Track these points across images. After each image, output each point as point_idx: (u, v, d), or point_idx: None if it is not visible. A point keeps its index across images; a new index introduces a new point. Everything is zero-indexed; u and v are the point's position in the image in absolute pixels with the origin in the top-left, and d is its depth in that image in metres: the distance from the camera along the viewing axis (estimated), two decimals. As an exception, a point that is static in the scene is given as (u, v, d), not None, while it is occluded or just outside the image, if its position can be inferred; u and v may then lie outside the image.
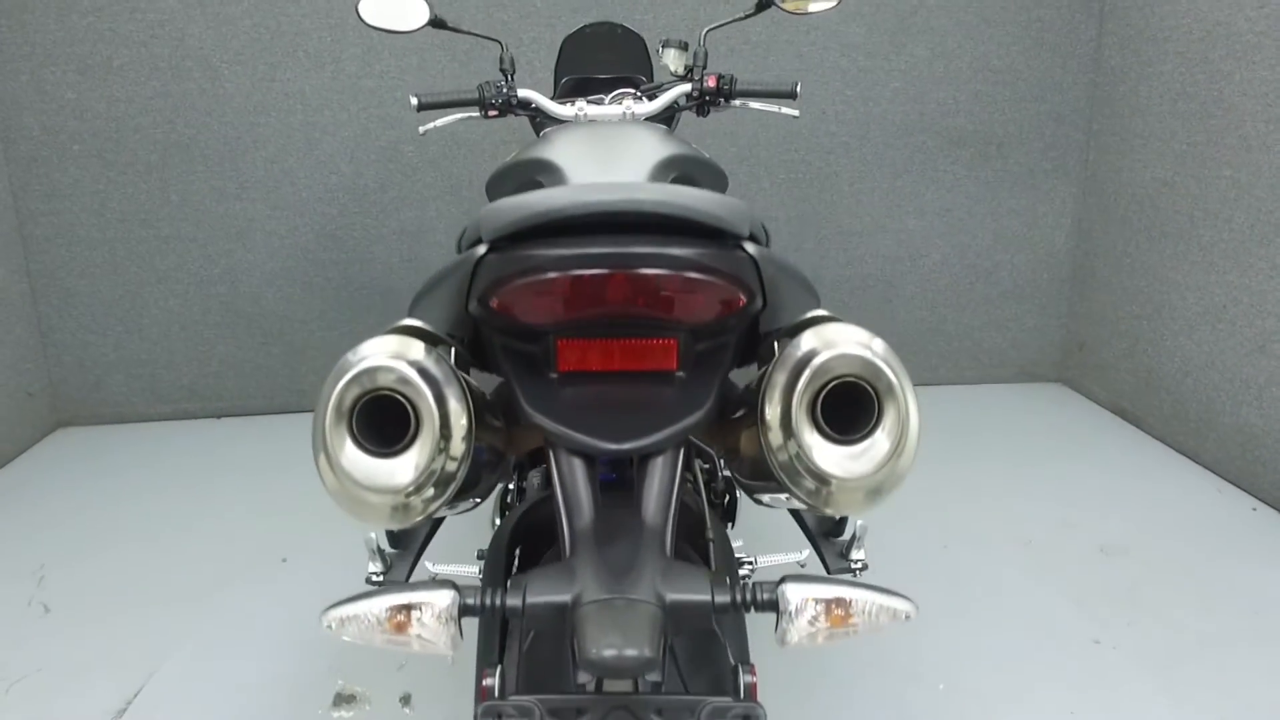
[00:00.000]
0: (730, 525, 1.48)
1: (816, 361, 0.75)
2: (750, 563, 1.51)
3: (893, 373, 0.75)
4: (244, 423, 2.89)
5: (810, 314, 0.88)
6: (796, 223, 2.87)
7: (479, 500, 0.93)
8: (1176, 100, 2.48)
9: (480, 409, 0.84)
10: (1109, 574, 1.97)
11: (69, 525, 2.28)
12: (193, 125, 2.67)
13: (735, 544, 1.56)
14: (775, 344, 0.85)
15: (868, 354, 0.75)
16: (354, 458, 0.75)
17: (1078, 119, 2.87)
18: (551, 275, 0.80)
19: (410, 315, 0.96)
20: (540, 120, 1.79)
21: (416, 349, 0.77)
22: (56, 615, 1.90)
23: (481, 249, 0.86)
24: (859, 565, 1.19)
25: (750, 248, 0.86)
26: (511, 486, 1.54)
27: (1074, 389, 3.02)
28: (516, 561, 1.16)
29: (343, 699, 1.63)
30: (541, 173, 1.41)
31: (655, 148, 1.41)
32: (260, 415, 2.92)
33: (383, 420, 0.75)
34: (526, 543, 1.16)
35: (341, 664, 1.72)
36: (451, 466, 0.76)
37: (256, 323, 2.84)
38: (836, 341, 0.76)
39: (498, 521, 1.51)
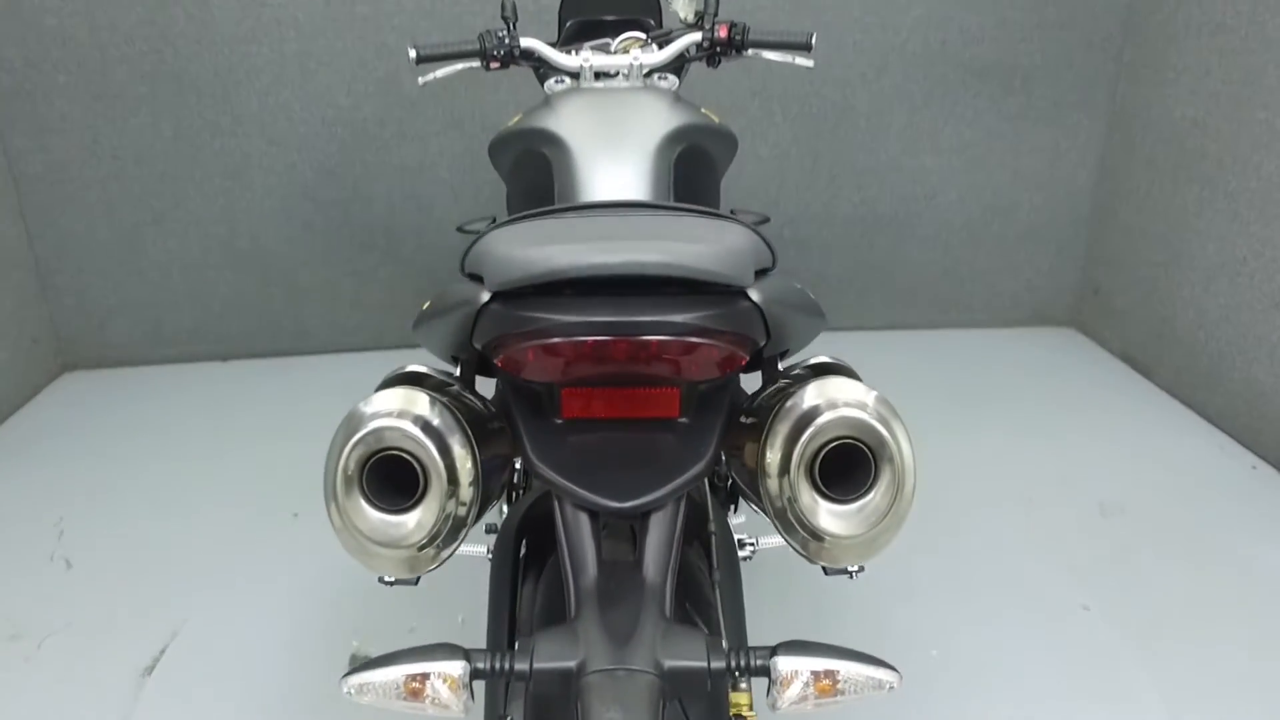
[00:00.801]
0: (733, 509, 1.47)
1: (817, 423, 0.76)
2: (751, 544, 1.50)
3: (891, 436, 0.76)
4: (249, 365, 2.86)
5: (816, 360, 0.93)
6: (809, 159, 2.76)
7: (494, 502, 0.96)
8: (1215, 33, 2.34)
9: (486, 431, 0.86)
10: (1105, 535, 1.97)
11: (83, 475, 2.28)
12: (182, 55, 2.54)
13: (737, 521, 1.55)
14: (780, 381, 0.90)
15: (866, 417, 0.76)
16: (366, 515, 0.78)
17: (1109, 47, 2.71)
18: (554, 340, 0.80)
19: (415, 331, 0.97)
20: (544, 70, 1.70)
21: (421, 403, 0.78)
22: (78, 570, 1.92)
23: (484, 296, 0.85)
24: (856, 569, 1.19)
25: (755, 294, 0.86)
26: (519, 466, 1.52)
27: (1086, 334, 2.97)
28: (524, 550, 1.15)
29: (358, 661, 1.65)
30: (546, 145, 1.36)
31: (662, 118, 1.36)
32: (265, 358, 2.89)
33: (392, 471, 0.77)
34: (533, 534, 1.17)
35: (356, 626, 1.74)
36: (462, 512, 0.79)
37: (257, 263, 2.78)
38: (837, 401, 0.77)
39: (505, 509, 1.49)
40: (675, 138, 1.34)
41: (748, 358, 0.84)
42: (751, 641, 0.99)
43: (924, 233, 2.88)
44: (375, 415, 0.77)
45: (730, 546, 1.17)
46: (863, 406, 0.76)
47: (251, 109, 2.61)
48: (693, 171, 1.39)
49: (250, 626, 1.75)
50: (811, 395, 0.78)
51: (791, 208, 2.82)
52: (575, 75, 1.56)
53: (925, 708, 1.53)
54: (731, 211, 1.74)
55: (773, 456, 0.78)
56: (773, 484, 0.79)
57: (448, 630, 1.73)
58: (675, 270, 0.78)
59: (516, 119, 1.47)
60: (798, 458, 0.76)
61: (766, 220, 1.74)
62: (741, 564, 1.22)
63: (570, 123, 1.34)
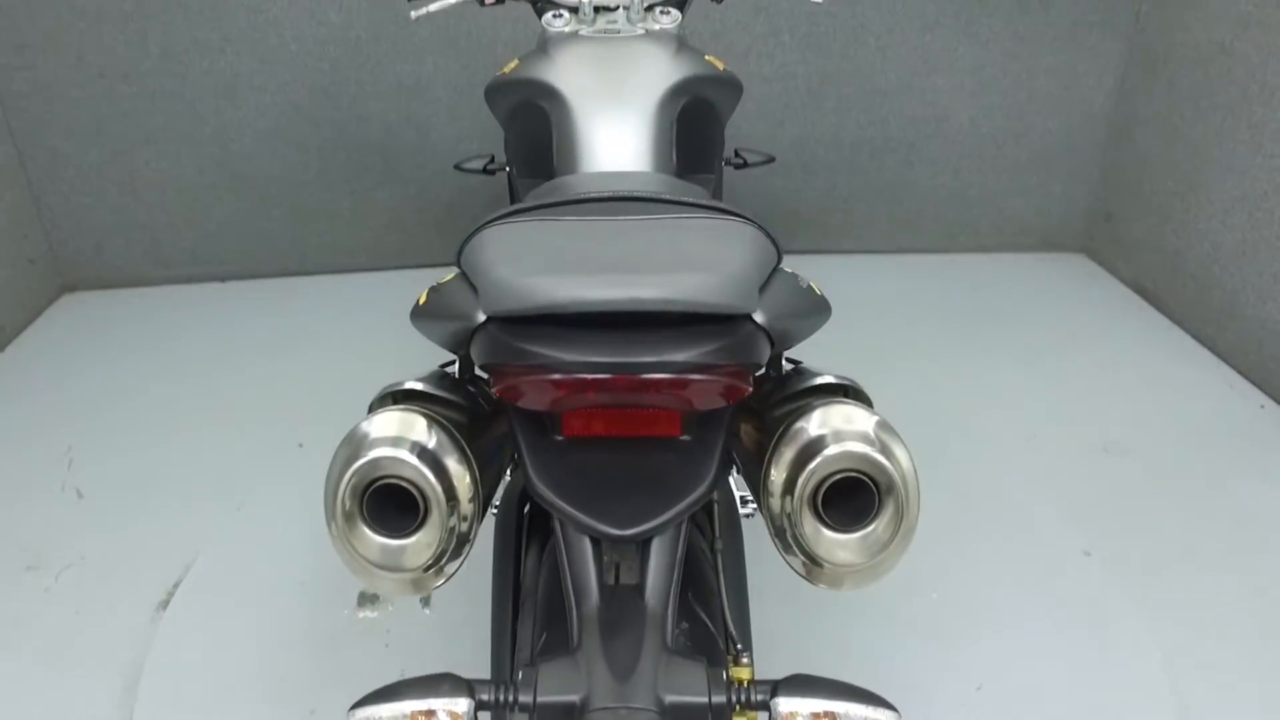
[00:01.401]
0: (735, 469, 1.46)
1: (821, 456, 0.75)
2: (752, 502, 1.49)
3: (896, 470, 0.75)
4: (250, 286, 2.82)
5: (823, 379, 0.90)
6: (817, 80, 2.65)
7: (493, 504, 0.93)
8: (1247, -48, 2.20)
9: (486, 439, 0.86)
10: (1108, 477, 1.95)
11: (89, 400, 2.27)
12: (167, -32, 2.42)
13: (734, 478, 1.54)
14: (787, 391, 0.88)
15: (871, 452, 0.75)
16: (368, 541, 0.78)
17: (1133, -38, 2.56)
18: (553, 376, 0.77)
19: (412, 322, 0.94)
20: (541, 5, 1.61)
21: (417, 428, 0.78)
22: (90, 502, 1.94)
23: (479, 316, 0.81)
24: None
25: (760, 315, 0.81)
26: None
27: (1096, 261, 2.89)
28: (527, 522, 1.14)
29: (366, 599, 1.68)
30: (545, 98, 1.31)
31: (664, 72, 1.31)
32: (266, 279, 2.85)
33: (393, 493, 0.77)
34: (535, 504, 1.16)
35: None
36: (464, 528, 0.79)
37: (253, 184, 2.71)
38: (843, 433, 0.76)
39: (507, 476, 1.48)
40: (677, 92, 1.28)
41: (750, 388, 0.81)
42: (753, 608, 1.00)
43: (933, 156, 2.78)
44: (372, 444, 0.76)
45: (732, 508, 1.18)
46: (868, 440, 0.75)
47: (240, 26, 2.50)
48: (696, 125, 1.33)
49: (260, 560, 1.77)
50: (817, 423, 0.77)
51: (797, 130, 2.72)
52: (574, 10, 1.48)
53: (922, 652, 1.54)
54: (735, 152, 1.67)
55: (776, 476, 0.78)
56: (775, 502, 0.78)
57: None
58: (678, 306, 0.74)
59: (513, 65, 1.40)
60: (800, 486, 0.76)
61: (772, 160, 1.67)
62: (744, 521, 1.22)
63: (569, 77, 1.27)
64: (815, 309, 0.91)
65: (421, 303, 0.91)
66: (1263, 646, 1.55)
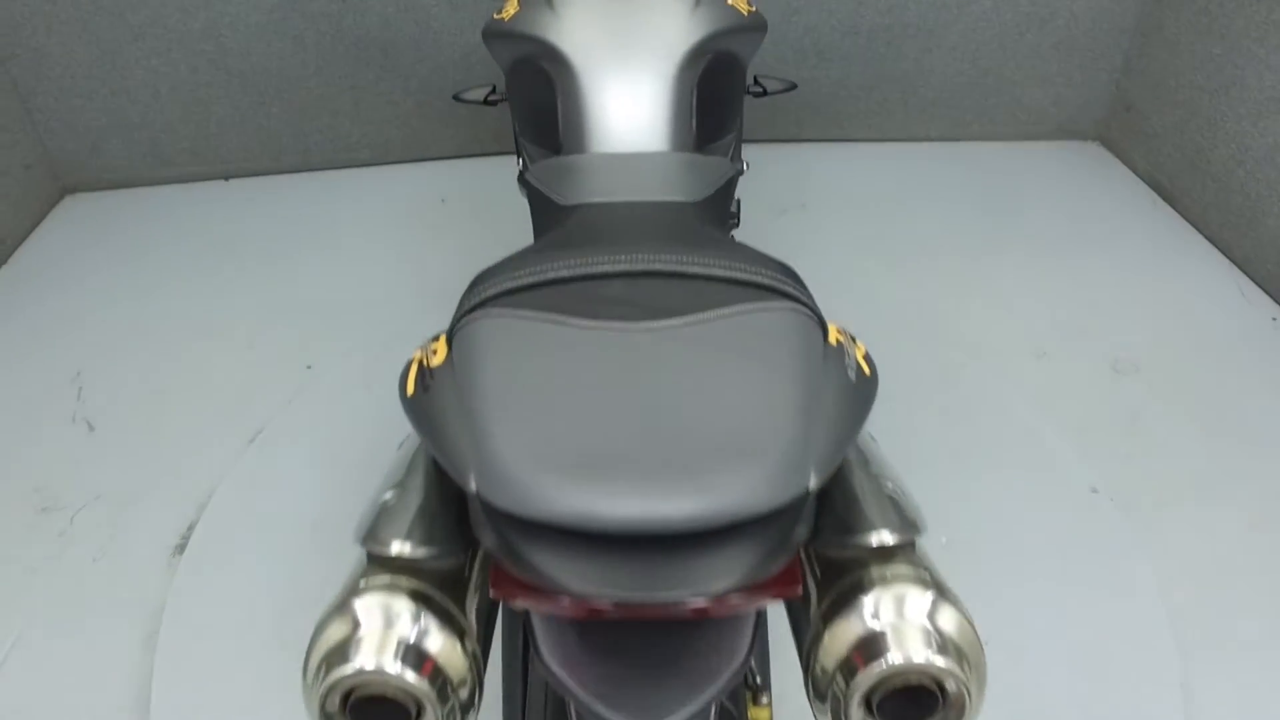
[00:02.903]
0: None
1: (879, 664, 0.61)
2: None
3: (963, 680, 0.61)
4: (253, 184, 2.70)
5: (879, 538, 0.66)
6: (836, -37, 2.45)
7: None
8: None
9: (483, 605, 0.70)
10: (1116, 398, 1.92)
11: (95, 316, 2.20)
12: None
13: None
14: (840, 540, 0.67)
15: (938, 661, 0.61)
16: None
17: None
18: (559, 600, 0.61)
19: (404, 409, 0.73)
20: None
21: (402, 621, 0.62)
22: (101, 434, 1.89)
23: (471, 483, 0.62)
24: None
25: (815, 477, 0.62)
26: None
27: (1112, 151, 2.77)
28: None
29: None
30: (549, 60, 1.18)
31: (684, 31, 1.18)
32: (268, 175, 2.73)
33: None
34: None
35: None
36: (464, 700, 0.64)
37: (250, 81, 2.54)
38: (904, 633, 0.61)
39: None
40: (698, 53, 1.16)
41: (800, 588, 0.65)
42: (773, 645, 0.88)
43: (952, 43, 2.61)
44: (352, 651, 0.60)
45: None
46: (934, 643, 0.61)
47: (222, -93, 2.28)
48: (717, 85, 1.21)
49: (273, 499, 1.73)
50: (871, 612, 0.62)
51: (813, 16, 2.54)
52: None
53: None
54: (754, 80, 1.55)
55: (824, 662, 0.64)
56: (820, 679, 0.64)
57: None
58: (718, 521, 0.58)
59: (513, 9, 1.26)
60: (852, 687, 0.62)
61: (793, 87, 1.56)
62: None
63: (577, 38, 1.15)
64: (865, 405, 0.73)
65: (409, 394, 0.73)
66: (1269, 583, 1.55)
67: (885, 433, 1.84)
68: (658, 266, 0.75)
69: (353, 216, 2.53)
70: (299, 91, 2.57)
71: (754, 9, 1.31)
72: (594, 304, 0.71)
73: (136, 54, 2.45)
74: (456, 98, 1.54)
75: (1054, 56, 2.64)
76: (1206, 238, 2.37)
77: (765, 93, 1.47)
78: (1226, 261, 2.30)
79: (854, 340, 0.81)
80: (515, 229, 1.23)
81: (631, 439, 0.60)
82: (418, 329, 2.10)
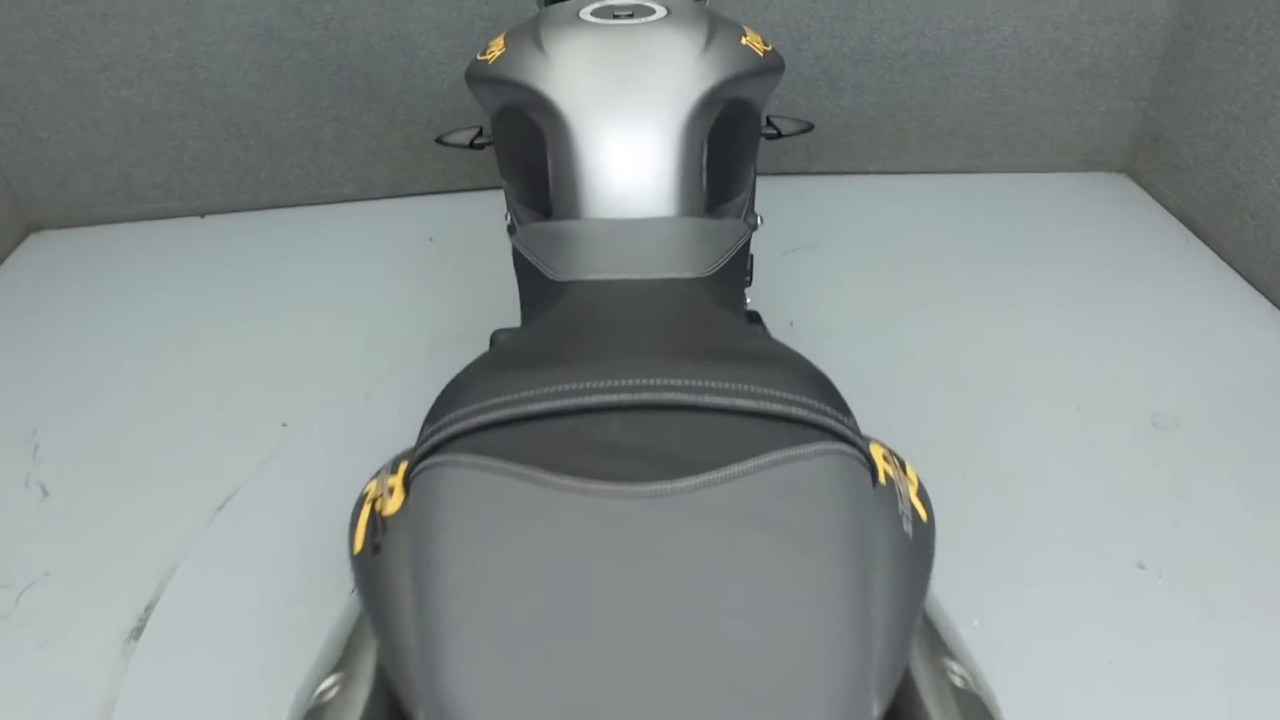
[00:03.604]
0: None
1: None
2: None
3: None
4: (229, 221, 2.53)
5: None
6: (848, -13, 2.29)
7: None
8: None
9: None
10: (1158, 457, 1.74)
11: (58, 365, 2.02)
12: None
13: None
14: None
15: None
16: None
17: None
18: None
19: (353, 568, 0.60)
20: None
21: None
22: (56, 499, 1.71)
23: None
24: None
25: (875, 712, 0.50)
26: None
27: (1139, 184, 2.60)
28: None
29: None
30: (540, 112, 1.01)
31: (692, 75, 1.01)
32: (246, 212, 2.56)
33: None
34: None
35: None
36: None
37: (226, 113, 2.38)
38: None
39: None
40: (709, 102, 1.00)
41: None
42: None
43: (970, 70, 2.45)
44: None
45: None
46: None
47: (195, -70, 2.12)
48: (730, 137, 1.05)
49: (241, 574, 1.55)
50: None
51: (824, 43, 2.38)
52: None
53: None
54: (767, 121, 1.39)
55: None
56: None
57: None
58: None
59: (498, 48, 1.09)
60: None
61: (809, 128, 1.39)
62: None
63: (570, 87, 0.99)
64: (925, 569, 0.59)
65: (357, 549, 0.61)
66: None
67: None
68: (667, 397, 0.58)
69: (335, 256, 2.37)
70: (278, 124, 2.41)
71: (769, 48, 1.15)
72: (585, 453, 0.55)
73: (105, 84, 2.29)
74: (440, 141, 1.38)
75: (1078, 84, 2.48)
76: (1245, 278, 2.20)
77: (779, 135, 1.31)
78: (1268, 304, 2.12)
79: (904, 469, 0.66)
80: (507, 270, 1.07)
81: (629, 689, 0.44)
82: (403, 381, 1.95)
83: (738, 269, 0.97)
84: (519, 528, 0.51)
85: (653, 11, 1.11)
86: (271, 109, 2.38)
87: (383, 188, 2.56)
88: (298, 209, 2.56)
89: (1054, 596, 1.49)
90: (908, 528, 0.58)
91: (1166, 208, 2.48)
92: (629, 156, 0.96)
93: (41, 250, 2.44)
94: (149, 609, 1.50)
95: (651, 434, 0.56)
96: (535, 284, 0.92)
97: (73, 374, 2.00)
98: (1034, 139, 2.58)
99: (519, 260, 0.97)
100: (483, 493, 0.54)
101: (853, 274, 2.25)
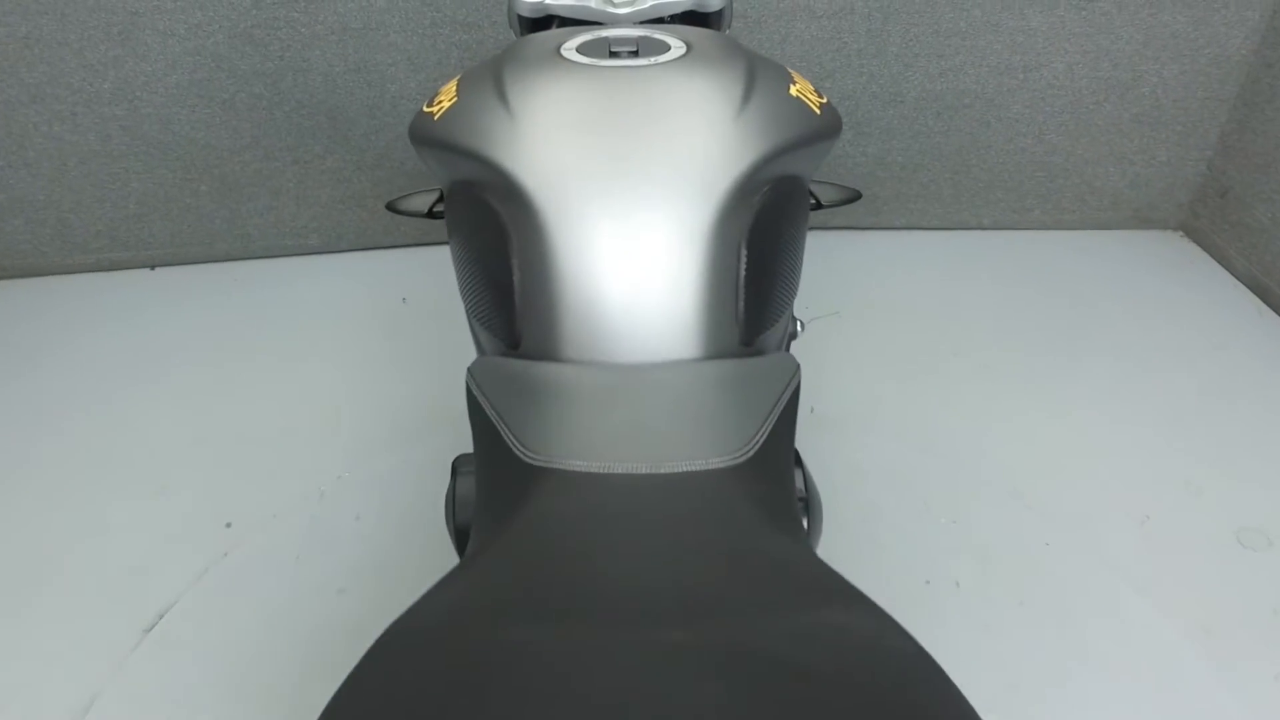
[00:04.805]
0: None
1: None
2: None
3: None
4: (182, 274, 2.20)
5: None
6: (879, 17, 1.97)
7: None
8: None
9: None
10: (1247, 583, 1.38)
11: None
12: None
13: None
14: None
15: None
16: None
17: None
18: None
19: None
20: None
21: None
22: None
23: None
24: None
25: None
26: None
27: (1198, 243, 2.25)
28: None
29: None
30: (505, 201, 0.66)
31: (724, 149, 0.65)
32: (202, 264, 2.23)
33: None
34: None
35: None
36: None
37: (172, 153, 2.06)
38: None
39: None
40: (751, 184, 0.66)
41: None
42: None
43: (1014, 114, 2.12)
44: None
45: None
46: None
47: (133, -53, 1.82)
48: (775, 230, 0.71)
49: (175, 715, 1.22)
50: None
51: (850, 82, 2.06)
52: None
53: None
54: (815, 201, 1.04)
55: None
56: None
57: None
58: None
59: (448, 101, 0.76)
60: None
61: (857, 197, 1.06)
62: None
63: (547, 166, 0.65)
64: None
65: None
66: None
67: (950, 638, 1.32)
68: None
69: (296, 318, 2.03)
70: (232, 166, 2.09)
71: (824, 99, 0.81)
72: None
73: (35, 118, 1.98)
74: (391, 208, 1.03)
75: (1134, 131, 2.14)
76: (1343, 358, 1.85)
77: (819, 205, 0.96)
78: (1374, 391, 1.77)
79: None
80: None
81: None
82: (363, 478, 1.55)
83: (787, 427, 0.64)
84: None
85: (666, 48, 0.76)
86: (224, 149, 2.06)
87: (351, 239, 2.24)
88: (257, 262, 2.23)
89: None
90: None
91: (1232, 272, 2.13)
92: (631, 270, 0.63)
93: (-34, 304, 2.13)
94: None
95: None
96: (495, 452, 0.61)
97: (7, 452, 1.67)
98: (1080, 191, 2.24)
99: (474, 407, 0.65)
100: None
101: (878, 348, 1.90)
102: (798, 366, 0.67)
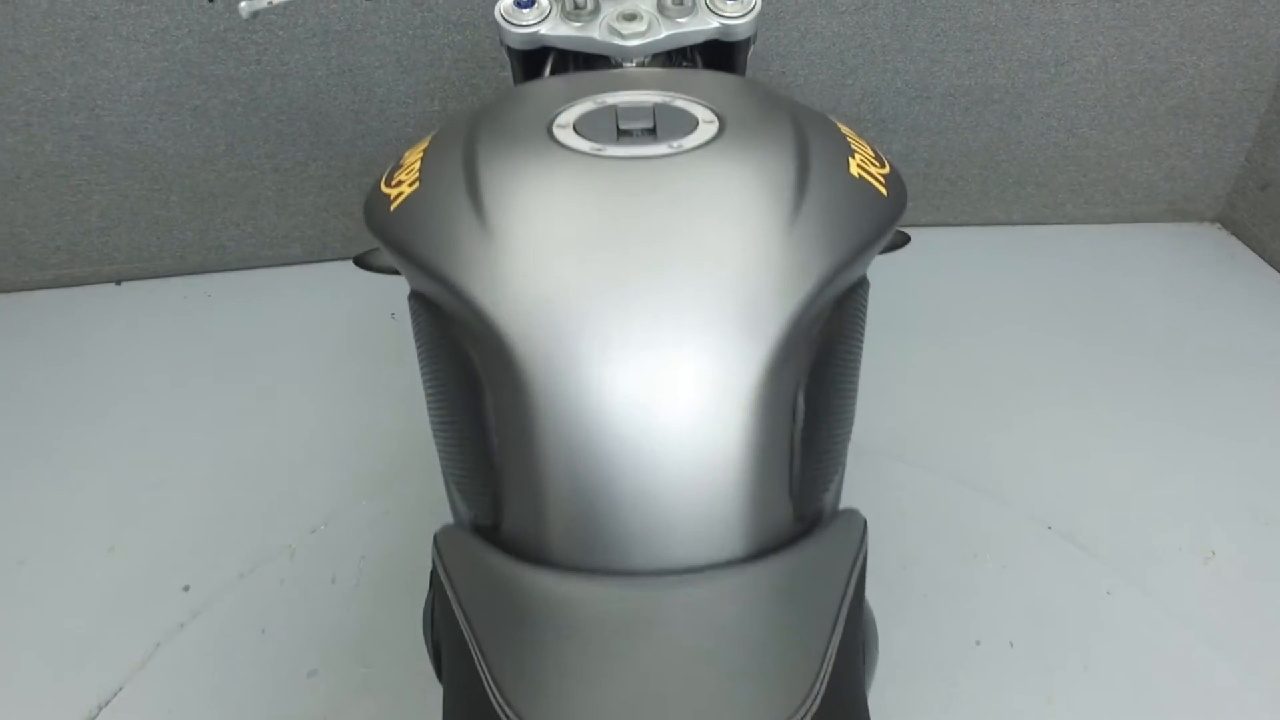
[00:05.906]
0: None
1: None
2: None
3: None
4: (151, 289, 2.09)
5: None
6: (904, 11, 1.88)
7: None
8: None
9: None
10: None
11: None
12: None
13: None
14: None
15: None
16: None
17: None
18: None
19: None
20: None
21: None
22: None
23: None
24: None
25: None
26: None
27: (1237, 236, 2.21)
28: None
29: None
30: (479, 347, 0.53)
31: (779, 272, 0.51)
32: (171, 277, 2.12)
33: None
34: None
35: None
36: None
37: (139, 164, 1.94)
38: None
39: None
40: (807, 321, 0.52)
41: None
42: None
43: (1045, 108, 2.05)
44: None
45: None
46: None
47: (88, -60, 1.68)
48: (839, 363, 0.58)
49: None
50: None
51: (873, 78, 1.97)
52: None
53: None
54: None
55: None
56: None
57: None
58: None
59: (408, 184, 0.61)
60: None
61: (906, 242, 0.98)
62: None
63: (535, 310, 0.50)
64: None
65: None
66: None
67: (1010, 713, 1.28)
68: None
69: (274, 336, 1.93)
70: (205, 175, 1.97)
71: (887, 167, 0.68)
72: None
73: (-16, 132, 1.85)
74: (360, 262, 0.92)
75: (1170, 123, 2.08)
76: (1392, 370, 1.82)
77: None
78: None
79: None
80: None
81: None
82: (339, 532, 1.48)
83: (854, 624, 0.52)
84: None
85: (692, 123, 0.61)
86: (196, 159, 1.94)
87: (336, 249, 2.14)
88: (233, 274, 2.13)
89: None
90: None
91: (1274, 265, 2.09)
92: (650, 448, 0.48)
93: (-83, 330, 2.00)
94: None
95: None
96: (469, 682, 0.48)
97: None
98: (1114, 184, 2.18)
99: (440, 596, 0.53)
100: None
101: (904, 356, 1.85)
102: (864, 526, 0.54)
